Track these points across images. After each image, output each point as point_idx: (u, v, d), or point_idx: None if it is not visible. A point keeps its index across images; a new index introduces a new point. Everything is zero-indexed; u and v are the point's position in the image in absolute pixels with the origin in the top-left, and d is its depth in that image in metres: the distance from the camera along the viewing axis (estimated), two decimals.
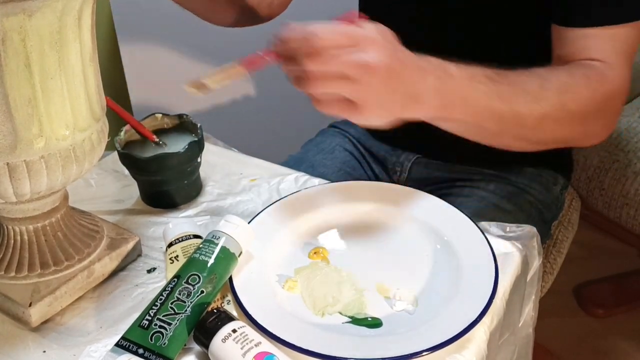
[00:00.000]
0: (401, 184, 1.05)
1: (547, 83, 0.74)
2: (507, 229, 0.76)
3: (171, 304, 0.61)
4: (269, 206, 0.78)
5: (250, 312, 0.63)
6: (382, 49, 0.60)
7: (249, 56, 0.64)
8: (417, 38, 0.84)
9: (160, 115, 0.86)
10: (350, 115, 0.62)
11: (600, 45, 0.80)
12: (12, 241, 0.67)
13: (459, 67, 0.68)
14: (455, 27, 0.94)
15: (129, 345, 0.60)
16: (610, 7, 0.79)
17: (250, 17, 1.01)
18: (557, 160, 1.07)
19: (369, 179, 1.07)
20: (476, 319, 0.61)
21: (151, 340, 0.59)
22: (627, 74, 0.81)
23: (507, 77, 0.72)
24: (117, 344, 0.60)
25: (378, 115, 0.63)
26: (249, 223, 0.72)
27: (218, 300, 0.67)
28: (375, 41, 0.60)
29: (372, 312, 0.66)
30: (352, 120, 0.63)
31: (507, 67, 0.74)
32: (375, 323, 0.64)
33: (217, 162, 0.91)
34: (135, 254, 0.74)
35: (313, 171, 1.02)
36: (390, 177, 1.08)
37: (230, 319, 0.60)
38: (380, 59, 0.60)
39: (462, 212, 0.75)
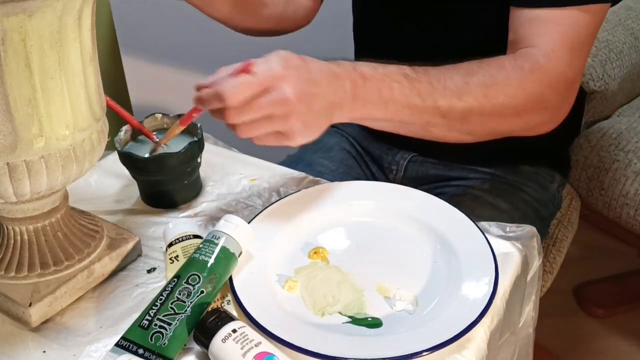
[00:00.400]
0: (397, 183, 1.06)
1: (472, 77, 0.74)
2: (507, 229, 0.76)
3: (171, 304, 0.61)
4: (268, 206, 0.78)
5: (250, 312, 0.63)
6: (290, 79, 0.64)
7: (184, 115, 0.74)
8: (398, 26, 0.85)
9: (160, 115, 0.86)
10: (285, 143, 0.67)
11: (545, 29, 0.78)
12: (12, 241, 0.67)
13: (372, 68, 0.70)
14: (452, 33, 0.94)
15: (129, 345, 0.60)
16: None
17: (279, 26, 1.05)
18: (554, 158, 1.08)
19: (366, 178, 1.08)
20: (476, 319, 0.61)
21: (151, 341, 0.59)
22: (573, 62, 0.79)
23: (429, 74, 0.73)
24: (117, 344, 0.60)
25: (308, 134, 0.67)
26: (249, 223, 0.72)
27: (218, 300, 0.67)
28: (280, 76, 0.64)
29: (372, 312, 0.65)
30: (289, 145, 0.68)
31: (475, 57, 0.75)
32: (375, 323, 0.64)
33: (217, 162, 0.91)
34: (135, 254, 0.74)
35: (311, 170, 1.03)
36: (387, 176, 1.08)
37: (230, 319, 0.60)
38: (291, 89, 0.64)
39: (462, 212, 0.75)
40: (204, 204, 0.84)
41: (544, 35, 0.78)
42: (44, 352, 0.63)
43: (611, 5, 0.84)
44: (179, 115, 0.85)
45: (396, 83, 0.70)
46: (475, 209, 0.95)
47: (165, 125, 0.86)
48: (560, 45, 0.78)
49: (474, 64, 0.76)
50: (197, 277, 0.63)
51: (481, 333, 0.63)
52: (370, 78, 0.69)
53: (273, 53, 0.66)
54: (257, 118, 0.64)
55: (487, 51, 0.81)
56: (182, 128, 0.75)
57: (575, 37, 0.79)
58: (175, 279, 0.63)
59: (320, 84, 0.66)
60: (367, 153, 1.11)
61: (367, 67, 0.70)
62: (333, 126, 1.17)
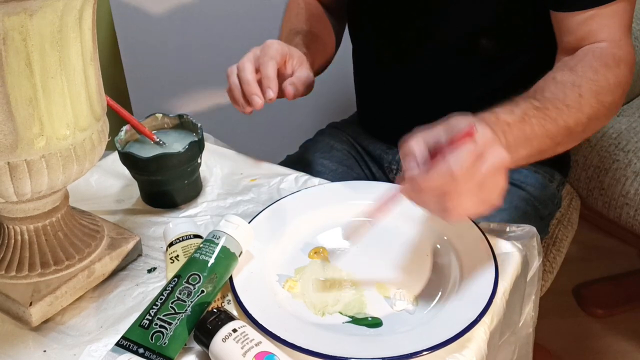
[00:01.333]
0: (397, 182, 1.06)
1: (582, 89, 0.78)
2: (507, 229, 0.76)
3: (171, 303, 0.61)
4: (269, 206, 0.78)
5: (251, 311, 0.63)
6: (497, 141, 0.62)
7: (382, 204, 0.66)
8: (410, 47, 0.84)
9: (161, 115, 0.86)
10: (487, 210, 0.63)
11: (605, 24, 0.83)
12: (13, 241, 0.67)
13: (510, 111, 0.71)
14: (450, 36, 0.95)
15: (130, 345, 0.60)
16: None
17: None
18: (554, 157, 1.08)
19: (366, 178, 1.08)
20: (476, 318, 0.61)
21: (151, 340, 0.59)
22: (631, 44, 0.85)
23: (546, 99, 0.75)
24: (117, 344, 0.60)
25: (500, 197, 0.63)
26: (249, 223, 0.72)
27: (218, 299, 0.67)
28: (492, 140, 0.61)
29: (372, 311, 0.66)
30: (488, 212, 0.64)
31: (506, 69, 0.75)
32: (375, 323, 0.64)
33: (217, 162, 0.92)
34: (135, 254, 0.74)
35: (311, 170, 1.03)
36: (387, 176, 1.08)
37: (231, 318, 0.60)
38: (504, 152, 0.61)
39: None
40: (204, 203, 0.84)
41: (606, 29, 0.83)
42: (45, 351, 0.63)
43: None
44: (179, 116, 0.86)
45: (534, 119, 0.72)
46: None
47: (165, 125, 0.86)
48: (622, 33, 0.84)
49: (567, 73, 0.80)
50: (197, 276, 0.63)
51: (481, 333, 0.63)
52: (514, 123, 0.70)
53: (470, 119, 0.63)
54: (477, 194, 0.60)
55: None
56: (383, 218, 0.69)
57: (629, 21, 0.85)
58: (176, 279, 0.63)
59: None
60: (367, 153, 1.11)
61: (506, 114, 0.70)
62: (333, 126, 1.18)
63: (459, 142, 0.60)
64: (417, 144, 0.63)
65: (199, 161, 0.83)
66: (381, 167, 1.09)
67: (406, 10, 0.97)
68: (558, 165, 1.08)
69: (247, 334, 0.59)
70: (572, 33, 0.85)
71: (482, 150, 0.60)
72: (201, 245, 0.66)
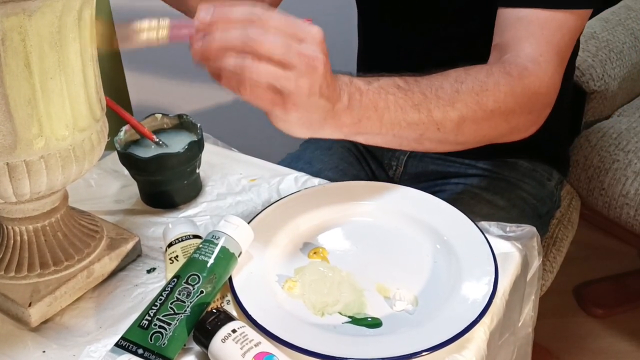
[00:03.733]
0: (397, 179, 1.06)
1: (463, 85, 0.72)
2: (507, 229, 0.76)
3: (171, 304, 0.61)
4: (268, 206, 0.78)
5: (250, 312, 0.63)
6: (324, 51, 0.58)
7: (181, 23, 0.61)
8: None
9: (160, 115, 0.86)
10: (274, 110, 0.59)
11: (531, 33, 0.78)
12: (12, 241, 0.67)
13: (367, 82, 0.67)
14: (459, 32, 0.94)
15: (129, 346, 0.60)
16: None
17: None
18: (552, 156, 1.08)
19: (366, 175, 1.08)
20: (476, 319, 0.61)
21: (151, 341, 0.59)
22: (558, 66, 0.79)
23: (420, 84, 0.70)
24: (116, 344, 0.60)
25: (300, 118, 0.60)
26: (248, 223, 0.72)
27: (218, 300, 0.67)
28: (320, 41, 0.58)
29: (372, 312, 0.65)
30: (274, 120, 0.61)
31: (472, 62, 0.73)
32: (375, 323, 0.64)
33: (216, 162, 0.91)
34: (135, 254, 0.74)
35: (310, 167, 1.03)
36: (386, 173, 1.09)
37: (230, 319, 0.60)
38: (323, 57, 0.58)
39: (462, 212, 0.75)
40: (204, 204, 0.84)
41: (530, 38, 0.78)
42: (44, 352, 0.63)
43: (611, 5, 0.85)
44: (179, 116, 0.86)
45: (391, 95, 0.68)
46: (474, 206, 0.96)
47: (165, 126, 0.86)
48: (547, 49, 0.78)
49: (461, 71, 0.75)
50: (196, 277, 0.63)
51: (481, 333, 0.63)
52: (366, 92, 0.66)
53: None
54: (276, 52, 0.55)
55: (486, 52, 0.81)
56: (165, 39, 0.63)
57: (561, 41, 0.79)
58: (175, 279, 0.63)
59: (333, 83, 0.62)
60: (367, 150, 1.12)
61: (362, 81, 0.67)
62: None
63: None
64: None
65: (198, 161, 0.83)
66: (380, 165, 1.10)
67: (412, 18, 0.96)
68: (556, 163, 1.08)
69: (246, 335, 0.59)
70: (500, 34, 0.81)
71: (305, 36, 0.57)
72: (200, 246, 0.66)
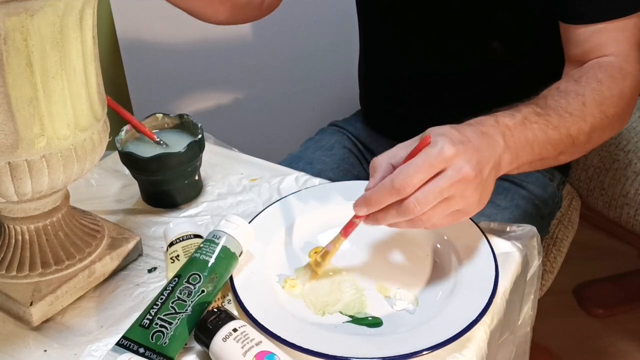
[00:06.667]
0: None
1: (585, 99, 0.77)
2: (507, 229, 0.76)
3: (172, 303, 0.61)
4: (269, 206, 0.78)
5: (251, 311, 0.63)
6: (460, 154, 0.62)
7: (346, 226, 0.67)
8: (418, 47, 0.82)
9: (161, 115, 0.86)
10: (461, 219, 0.65)
11: (613, 38, 0.83)
12: (14, 241, 0.67)
13: (511, 115, 0.71)
14: (458, 35, 0.95)
15: (130, 345, 0.60)
16: (617, 0, 0.81)
17: (241, 15, 1.02)
18: None
19: (367, 176, 1.08)
20: (476, 318, 0.61)
21: (152, 340, 0.60)
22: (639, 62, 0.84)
23: (549, 106, 0.75)
24: (118, 343, 0.60)
25: (483, 203, 0.65)
26: (249, 223, 0.72)
27: (219, 299, 0.67)
28: (452, 155, 0.61)
29: (372, 311, 0.66)
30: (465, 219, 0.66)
31: (493, 68, 0.75)
32: (375, 322, 0.64)
33: (217, 162, 0.92)
34: (136, 254, 0.74)
35: (311, 168, 1.03)
36: None
37: (231, 318, 0.61)
38: (466, 165, 0.61)
39: None
40: (205, 203, 0.84)
41: (613, 43, 0.83)
42: (45, 351, 0.63)
43: None
44: (180, 116, 0.86)
45: (535, 124, 0.72)
46: None
47: (166, 125, 0.86)
48: (631, 48, 0.83)
49: (571, 83, 0.79)
50: (197, 276, 0.63)
51: (481, 332, 0.63)
52: (514, 126, 0.70)
53: (434, 131, 0.64)
54: (435, 203, 0.61)
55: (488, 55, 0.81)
56: (343, 240, 0.68)
57: (638, 37, 0.84)
58: (176, 279, 0.63)
59: (482, 149, 0.65)
60: (368, 151, 1.12)
61: (507, 117, 0.70)
62: (334, 125, 1.18)
63: (414, 156, 0.62)
64: (380, 161, 0.64)
65: (199, 161, 0.83)
66: None
67: (420, 9, 0.97)
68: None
69: (247, 334, 0.59)
70: (579, 45, 0.85)
71: (442, 165, 0.61)
72: (201, 245, 0.66)
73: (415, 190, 0.60)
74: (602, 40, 0.83)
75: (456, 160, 0.61)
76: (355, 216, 0.65)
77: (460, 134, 0.64)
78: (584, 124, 0.76)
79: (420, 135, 0.64)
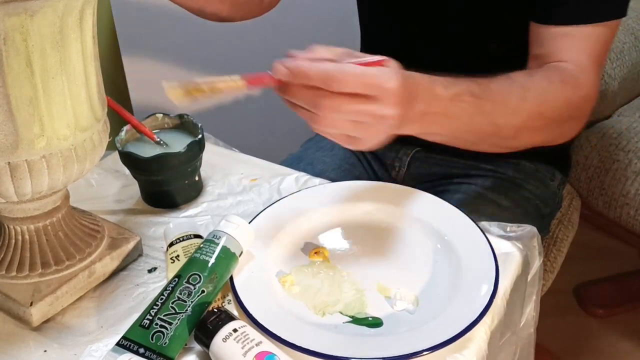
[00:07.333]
0: (400, 180, 1.06)
1: (528, 93, 0.76)
2: (508, 229, 0.76)
3: (172, 303, 0.61)
4: (269, 206, 0.78)
5: (251, 311, 0.63)
6: (397, 100, 0.62)
7: (255, 74, 0.63)
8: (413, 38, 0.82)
9: (161, 115, 0.86)
10: (343, 144, 0.65)
11: (575, 45, 0.81)
12: (13, 241, 0.67)
13: (445, 87, 0.69)
14: (461, 35, 0.95)
15: (130, 345, 0.60)
16: (587, 6, 0.80)
17: (241, 12, 1.02)
18: (554, 156, 1.08)
19: (368, 176, 1.08)
20: (477, 318, 0.61)
21: (152, 340, 0.59)
22: (597, 77, 0.83)
23: (491, 91, 0.73)
24: (118, 344, 0.60)
25: (371, 146, 0.65)
26: (249, 223, 0.72)
27: (219, 299, 0.67)
28: (393, 94, 0.61)
29: (372, 311, 0.66)
30: (350, 148, 0.67)
31: (491, 67, 0.76)
32: (375, 323, 0.64)
33: (217, 162, 0.92)
34: (136, 254, 0.74)
35: (312, 168, 1.03)
36: (389, 174, 1.08)
37: (231, 318, 0.60)
38: (393, 112, 0.62)
39: (463, 212, 0.75)
40: (205, 203, 0.84)
41: (575, 50, 0.82)
42: (45, 351, 0.63)
43: None
44: (180, 116, 0.86)
45: (464, 103, 0.71)
46: (478, 206, 0.96)
47: (166, 125, 0.86)
48: (591, 60, 0.82)
49: (526, 76, 0.78)
50: (197, 276, 0.63)
51: (482, 333, 0.63)
52: (442, 98, 0.69)
53: (392, 63, 0.64)
54: (345, 118, 0.61)
55: (492, 54, 0.82)
56: (242, 87, 0.63)
57: (601, 51, 0.83)
58: (176, 279, 0.63)
59: (410, 105, 0.65)
60: (370, 151, 1.11)
61: (440, 86, 0.69)
62: None
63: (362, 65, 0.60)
64: (323, 48, 0.63)
65: (199, 161, 0.83)
66: (383, 165, 1.09)
67: (420, 9, 0.97)
68: (558, 164, 1.08)
69: (247, 334, 0.59)
70: (542, 46, 0.84)
71: (379, 94, 0.60)
72: (201, 245, 0.66)
73: (339, 94, 0.59)
74: (564, 46, 0.82)
75: (391, 99, 0.61)
76: (270, 76, 0.61)
77: (407, 80, 0.63)
78: (515, 117, 0.75)
79: (378, 57, 0.63)
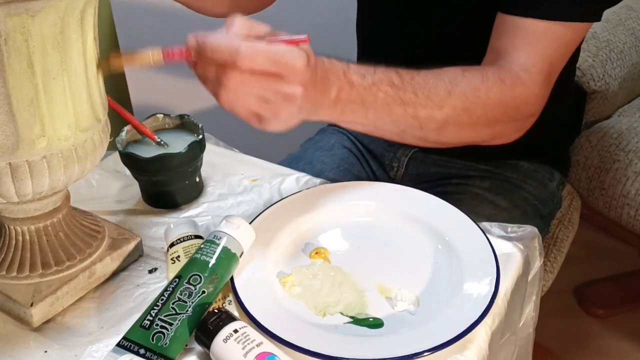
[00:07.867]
0: (398, 181, 1.06)
1: (455, 88, 0.74)
2: (509, 230, 0.76)
3: (172, 304, 0.61)
4: (270, 206, 0.78)
5: (252, 312, 0.63)
6: (305, 80, 0.61)
7: (174, 48, 0.63)
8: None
9: (162, 115, 0.86)
10: (256, 125, 0.64)
11: (528, 42, 0.79)
12: (14, 241, 0.67)
13: (362, 76, 0.69)
14: (462, 35, 0.95)
15: (131, 346, 0.60)
16: (551, 2, 0.78)
17: (241, 7, 1.02)
18: (553, 156, 1.08)
19: (367, 176, 1.08)
20: (477, 319, 0.61)
21: (152, 341, 0.59)
22: (549, 78, 0.80)
23: (414, 82, 0.72)
24: (118, 344, 0.60)
25: (283, 128, 0.64)
26: (250, 223, 0.72)
27: (219, 300, 0.67)
28: (298, 72, 0.60)
29: (373, 312, 0.66)
30: (257, 127, 0.65)
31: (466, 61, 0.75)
32: (376, 323, 0.64)
33: (218, 162, 0.92)
34: (136, 254, 0.74)
35: (311, 168, 1.03)
36: (387, 174, 1.09)
37: (232, 319, 0.60)
38: (301, 91, 0.61)
39: (463, 212, 0.75)
40: (205, 204, 0.84)
41: (527, 48, 0.79)
42: (46, 352, 0.63)
43: (611, 6, 0.85)
44: (180, 116, 0.86)
45: (382, 92, 0.69)
46: (476, 207, 0.96)
47: (166, 126, 0.86)
48: (541, 60, 0.79)
49: (458, 72, 0.76)
50: (198, 277, 0.63)
51: (482, 333, 0.63)
52: (358, 86, 0.68)
53: (306, 46, 0.63)
54: (251, 93, 0.60)
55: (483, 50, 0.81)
56: (159, 60, 0.65)
57: (556, 52, 0.80)
58: (177, 279, 0.63)
59: (319, 89, 0.64)
60: (368, 151, 1.11)
61: (356, 75, 0.68)
62: (333, 125, 1.18)
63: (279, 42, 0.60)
64: (242, 21, 0.61)
65: (200, 162, 0.83)
66: (382, 165, 1.10)
67: (414, 15, 0.97)
68: (557, 164, 1.08)
69: (248, 335, 0.59)
70: (500, 39, 0.81)
71: (284, 72, 0.59)
72: (202, 246, 0.66)
73: (246, 70, 0.58)
74: (518, 41, 0.79)
75: (296, 77, 0.60)
76: (184, 51, 0.62)
77: (317, 63, 0.63)
78: (438, 112, 0.73)
79: (300, 36, 0.62)
